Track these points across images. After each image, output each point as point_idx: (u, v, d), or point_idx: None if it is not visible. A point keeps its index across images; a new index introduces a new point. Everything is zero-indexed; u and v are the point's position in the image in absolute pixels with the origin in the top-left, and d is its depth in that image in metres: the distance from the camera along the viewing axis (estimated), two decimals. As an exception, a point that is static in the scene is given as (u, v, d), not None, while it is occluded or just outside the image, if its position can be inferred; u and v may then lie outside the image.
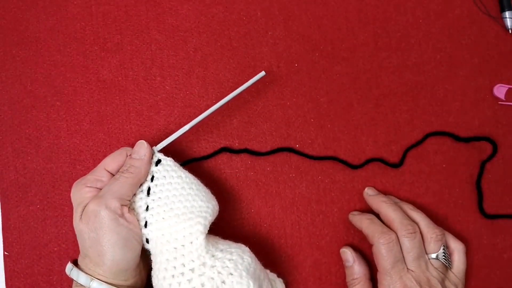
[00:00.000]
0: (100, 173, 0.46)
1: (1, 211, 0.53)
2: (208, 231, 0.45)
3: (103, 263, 0.42)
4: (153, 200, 0.45)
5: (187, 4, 0.55)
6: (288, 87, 0.54)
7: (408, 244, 0.47)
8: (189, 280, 0.42)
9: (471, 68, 0.54)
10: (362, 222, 0.49)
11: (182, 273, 0.42)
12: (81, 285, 0.43)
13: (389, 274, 0.46)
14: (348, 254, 0.50)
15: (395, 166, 0.53)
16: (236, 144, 0.53)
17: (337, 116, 0.54)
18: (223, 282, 0.41)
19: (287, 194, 0.52)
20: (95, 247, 0.42)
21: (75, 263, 0.45)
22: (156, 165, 0.47)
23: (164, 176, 0.46)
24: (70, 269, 0.44)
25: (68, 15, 0.54)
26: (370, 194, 0.52)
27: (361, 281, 0.49)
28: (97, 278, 0.42)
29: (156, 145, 0.48)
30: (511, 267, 0.53)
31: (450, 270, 0.48)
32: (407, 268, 0.46)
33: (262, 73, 0.50)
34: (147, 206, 0.45)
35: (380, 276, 0.47)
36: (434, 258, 0.47)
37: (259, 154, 0.53)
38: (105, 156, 0.48)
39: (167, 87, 0.54)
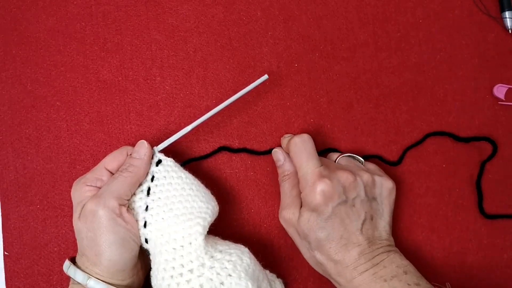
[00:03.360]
0: (100, 172, 0.46)
1: (1, 211, 0.53)
2: (208, 231, 0.45)
3: (100, 263, 0.42)
4: (153, 200, 0.45)
5: (187, 4, 0.55)
6: (288, 87, 0.54)
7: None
8: (188, 281, 0.41)
9: (471, 68, 0.54)
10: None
11: (181, 274, 0.42)
12: (78, 283, 0.43)
13: (305, 165, 0.47)
14: (279, 154, 0.51)
15: (394, 164, 0.53)
16: (236, 144, 0.53)
17: (337, 116, 0.54)
18: (222, 283, 0.41)
19: (287, 194, 0.52)
20: (92, 246, 0.42)
21: (73, 260, 0.45)
22: (157, 165, 0.47)
23: (165, 177, 0.46)
24: (67, 267, 0.44)
25: (68, 15, 0.54)
26: (285, 137, 0.52)
27: (291, 177, 0.50)
28: (94, 277, 0.42)
29: (156, 145, 0.48)
30: (511, 267, 0.53)
31: (361, 164, 0.51)
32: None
33: (265, 77, 0.50)
34: (147, 206, 0.45)
35: (298, 172, 0.47)
36: (342, 156, 0.51)
37: (258, 153, 0.53)
38: (105, 156, 0.48)
39: (167, 87, 0.54)
